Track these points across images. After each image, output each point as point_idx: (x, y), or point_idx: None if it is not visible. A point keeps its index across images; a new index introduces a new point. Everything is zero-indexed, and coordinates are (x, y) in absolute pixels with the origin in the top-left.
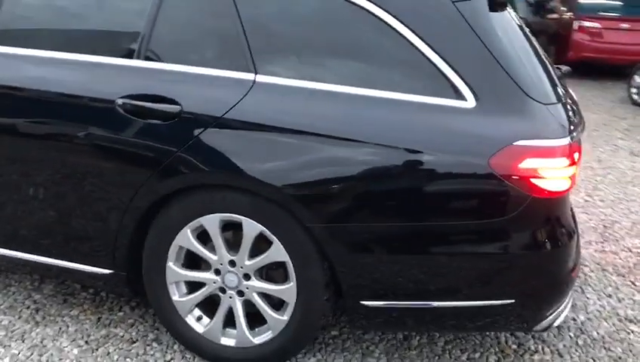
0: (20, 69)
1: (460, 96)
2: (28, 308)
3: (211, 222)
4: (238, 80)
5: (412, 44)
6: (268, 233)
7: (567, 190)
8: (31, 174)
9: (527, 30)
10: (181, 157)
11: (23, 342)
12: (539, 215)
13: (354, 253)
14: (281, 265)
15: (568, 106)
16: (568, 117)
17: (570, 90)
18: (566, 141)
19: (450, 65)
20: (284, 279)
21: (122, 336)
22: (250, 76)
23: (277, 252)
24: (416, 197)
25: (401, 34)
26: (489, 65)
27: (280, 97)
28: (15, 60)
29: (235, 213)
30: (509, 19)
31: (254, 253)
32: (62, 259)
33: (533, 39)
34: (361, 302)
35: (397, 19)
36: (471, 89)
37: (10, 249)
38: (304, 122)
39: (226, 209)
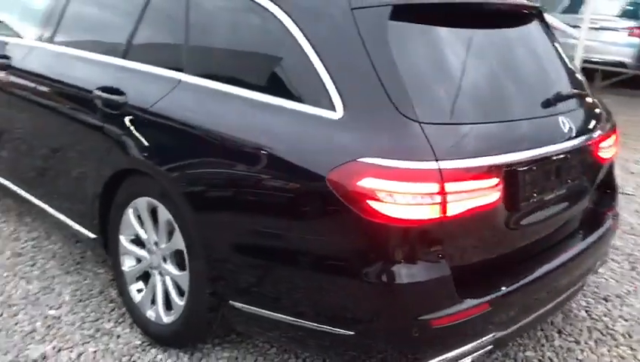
0: (65, 65)
1: (330, 105)
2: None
3: (141, 204)
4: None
5: (303, 49)
6: (172, 220)
7: (427, 221)
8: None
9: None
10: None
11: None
12: (376, 242)
13: (219, 248)
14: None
15: (486, 128)
16: (455, 137)
17: None
18: (427, 165)
19: (329, 74)
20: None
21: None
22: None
23: (177, 239)
24: (261, 200)
25: (296, 39)
26: (367, 77)
27: (186, 95)
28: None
29: (154, 198)
30: (427, 30)
31: (169, 238)
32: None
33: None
34: (230, 301)
35: (294, 22)
36: (342, 100)
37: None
38: (196, 118)
39: (149, 194)
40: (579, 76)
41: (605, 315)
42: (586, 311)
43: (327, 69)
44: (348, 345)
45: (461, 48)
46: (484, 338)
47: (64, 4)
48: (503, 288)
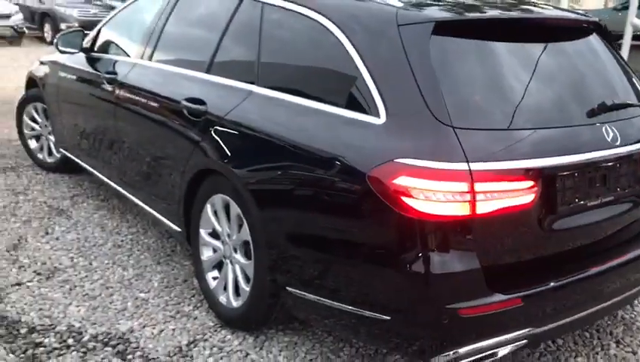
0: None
1: (375, 112)
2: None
3: (217, 200)
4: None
5: (355, 63)
6: (241, 215)
7: (457, 217)
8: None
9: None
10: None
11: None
12: (408, 235)
13: (278, 240)
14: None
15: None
16: (488, 142)
17: None
18: (458, 166)
19: (376, 84)
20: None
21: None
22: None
23: (245, 232)
24: (313, 197)
25: (349, 53)
26: (408, 86)
27: (255, 104)
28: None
29: (227, 195)
30: (465, 43)
31: (239, 231)
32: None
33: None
34: (287, 288)
35: (349, 39)
36: (385, 107)
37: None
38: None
39: (223, 191)
40: (633, 82)
41: None
42: None
43: (373, 80)
44: (390, 331)
45: (498, 60)
46: (517, 333)
47: (161, 29)
48: (538, 287)
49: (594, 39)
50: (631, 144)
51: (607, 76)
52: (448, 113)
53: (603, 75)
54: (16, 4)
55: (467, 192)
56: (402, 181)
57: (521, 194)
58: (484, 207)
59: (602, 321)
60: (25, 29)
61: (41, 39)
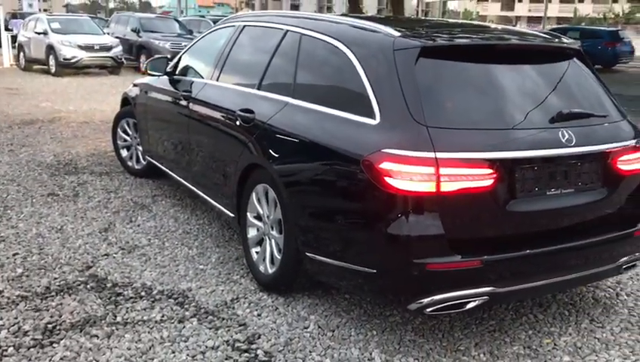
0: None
1: (373, 116)
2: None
3: (260, 189)
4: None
5: (361, 79)
6: (275, 198)
7: (426, 193)
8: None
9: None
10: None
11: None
12: (390, 206)
13: (300, 215)
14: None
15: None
16: (454, 137)
17: None
18: (427, 155)
19: (375, 95)
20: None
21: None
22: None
23: (279, 211)
24: (326, 181)
25: (358, 72)
26: (397, 96)
27: (289, 112)
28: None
29: (267, 184)
30: (444, 63)
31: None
32: (219, 204)
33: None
34: (307, 254)
35: (359, 61)
36: (380, 112)
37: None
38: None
39: (265, 181)
40: (605, 100)
41: None
42: (628, 310)
43: (373, 91)
44: (378, 283)
45: (470, 75)
46: (479, 290)
47: (227, 55)
48: (496, 254)
49: (570, 61)
50: (585, 145)
51: (575, 91)
52: (424, 116)
53: (572, 90)
54: (117, 37)
55: (433, 174)
56: (385, 165)
57: (481, 179)
58: (447, 187)
59: (582, 303)
60: (124, 59)
61: (138, 69)
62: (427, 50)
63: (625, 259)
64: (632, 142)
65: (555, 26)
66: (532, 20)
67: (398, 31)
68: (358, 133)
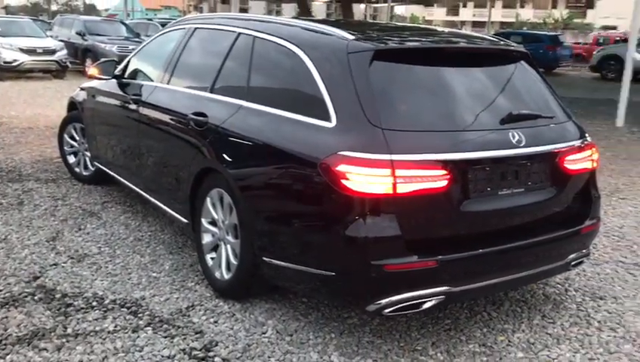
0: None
1: (329, 118)
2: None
3: (214, 193)
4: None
5: (316, 82)
6: (231, 203)
7: (382, 195)
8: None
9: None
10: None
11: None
12: (346, 208)
13: (256, 220)
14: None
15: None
16: (409, 140)
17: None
18: (383, 157)
19: (330, 98)
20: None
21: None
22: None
23: (234, 216)
24: (281, 185)
25: (312, 75)
26: (352, 99)
27: (243, 116)
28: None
29: (222, 189)
30: (397, 66)
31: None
32: (171, 209)
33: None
34: (264, 258)
35: (313, 64)
36: (336, 114)
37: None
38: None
39: (219, 186)
40: (552, 101)
41: (593, 308)
42: (577, 305)
43: (329, 94)
44: (337, 286)
45: (423, 78)
46: (435, 289)
47: (177, 58)
48: (452, 254)
49: (518, 64)
50: (534, 146)
51: (523, 93)
52: (379, 118)
53: (520, 92)
54: (61, 40)
55: (389, 176)
56: (342, 168)
57: (435, 180)
58: (403, 188)
59: (533, 300)
60: (69, 63)
61: (84, 73)
62: (380, 53)
63: (573, 256)
64: (578, 143)
65: (499, 30)
66: (476, 25)
67: (352, 34)
68: (315, 136)
